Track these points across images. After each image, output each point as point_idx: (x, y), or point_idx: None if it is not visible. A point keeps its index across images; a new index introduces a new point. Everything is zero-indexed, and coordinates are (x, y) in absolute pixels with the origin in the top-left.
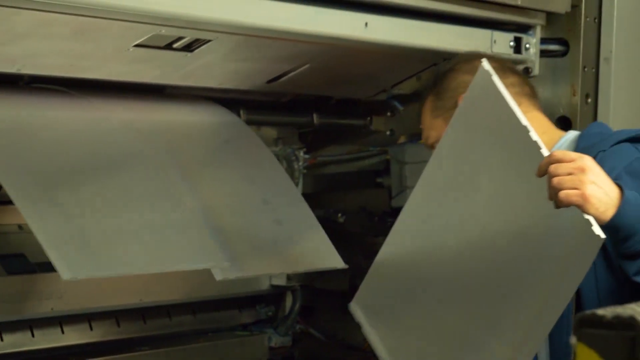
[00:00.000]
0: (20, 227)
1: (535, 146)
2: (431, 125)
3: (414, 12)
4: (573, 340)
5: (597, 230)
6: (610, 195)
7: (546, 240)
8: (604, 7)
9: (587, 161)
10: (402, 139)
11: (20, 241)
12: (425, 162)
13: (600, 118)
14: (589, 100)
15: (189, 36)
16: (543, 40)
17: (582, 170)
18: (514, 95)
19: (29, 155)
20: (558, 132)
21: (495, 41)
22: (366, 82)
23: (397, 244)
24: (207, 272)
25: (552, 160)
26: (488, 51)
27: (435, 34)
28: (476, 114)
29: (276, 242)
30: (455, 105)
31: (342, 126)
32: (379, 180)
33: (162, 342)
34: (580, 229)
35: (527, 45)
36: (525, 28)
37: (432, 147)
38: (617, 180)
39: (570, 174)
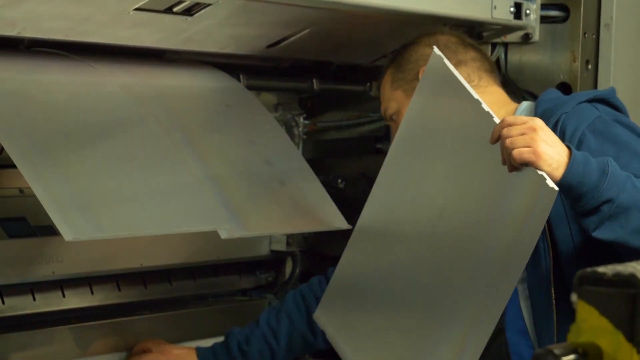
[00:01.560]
0: (21, 190)
1: (488, 116)
2: (390, 96)
3: None
4: (574, 297)
5: (551, 183)
6: (561, 154)
7: (503, 206)
8: None
9: (538, 122)
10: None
11: (21, 205)
12: None
13: (600, 84)
14: (589, 66)
15: (188, 0)
16: (543, 6)
17: (533, 129)
18: (475, 69)
19: (31, 118)
20: (515, 104)
21: (495, 7)
22: (366, 47)
23: (357, 248)
24: (208, 237)
25: (504, 124)
26: (488, 17)
27: None
28: (433, 96)
29: (280, 203)
30: (416, 78)
31: (342, 92)
32: (379, 146)
33: (162, 307)
34: (535, 185)
35: (528, 11)
36: None
37: (390, 119)
38: (582, 138)
39: (522, 134)
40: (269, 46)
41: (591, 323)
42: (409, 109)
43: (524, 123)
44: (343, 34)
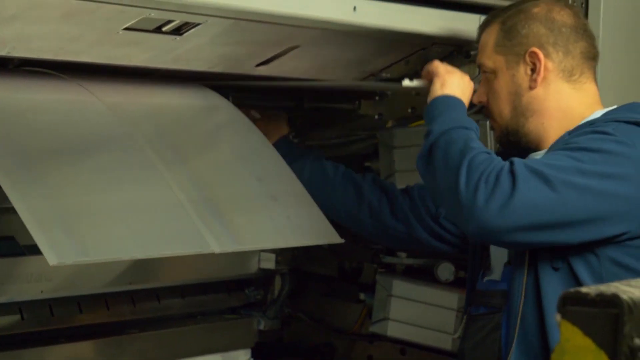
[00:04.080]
0: (9, 209)
1: None
2: (490, 55)
3: None
4: (558, 317)
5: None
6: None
7: None
8: None
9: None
10: (390, 123)
11: (10, 223)
12: (414, 145)
13: None
14: None
15: (178, 19)
16: None
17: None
18: (580, 63)
19: (18, 138)
20: (598, 106)
21: None
22: (354, 66)
23: None
24: (196, 255)
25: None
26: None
27: (423, 18)
28: None
29: (273, 218)
30: (522, 56)
31: (330, 110)
32: (367, 164)
33: (151, 325)
34: None
35: None
36: None
37: (486, 77)
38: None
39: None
40: (259, 65)
41: (575, 343)
42: None
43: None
44: (331, 53)
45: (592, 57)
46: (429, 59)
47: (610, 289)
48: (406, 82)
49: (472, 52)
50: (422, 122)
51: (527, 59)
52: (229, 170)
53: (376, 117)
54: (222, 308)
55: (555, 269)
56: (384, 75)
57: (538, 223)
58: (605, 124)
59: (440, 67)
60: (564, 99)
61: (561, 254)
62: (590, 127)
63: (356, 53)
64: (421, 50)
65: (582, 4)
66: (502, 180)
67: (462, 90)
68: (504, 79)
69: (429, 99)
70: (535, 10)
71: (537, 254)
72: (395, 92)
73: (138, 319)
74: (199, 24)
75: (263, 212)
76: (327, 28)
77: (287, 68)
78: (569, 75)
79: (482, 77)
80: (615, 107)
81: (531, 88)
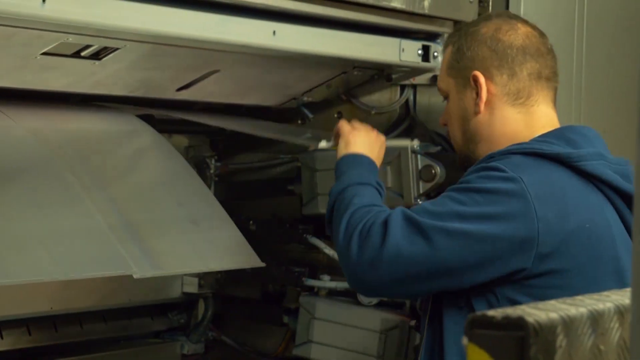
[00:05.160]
0: None
1: None
2: (443, 77)
3: (322, 21)
4: (465, 340)
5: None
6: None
7: None
8: None
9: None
10: (312, 147)
11: None
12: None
13: None
14: None
15: (96, 44)
16: None
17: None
18: (527, 84)
19: None
20: (546, 129)
21: (403, 49)
22: (276, 90)
23: None
24: (119, 279)
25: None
26: (397, 60)
27: (343, 42)
28: None
29: (193, 242)
30: (467, 80)
31: (253, 134)
32: (290, 187)
33: (73, 351)
34: None
35: (435, 54)
36: (433, 36)
37: (444, 97)
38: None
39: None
40: (179, 89)
41: None
42: None
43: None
44: (252, 77)
45: (544, 77)
46: (350, 83)
47: (516, 312)
48: (322, 144)
49: (394, 76)
50: None
51: (472, 82)
52: (150, 194)
53: None
54: (145, 332)
55: (459, 307)
56: (305, 99)
57: (412, 274)
58: (501, 157)
59: (344, 127)
60: (510, 124)
61: (463, 292)
62: (485, 162)
63: (277, 77)
64: (342, 74)
65: None
66: (372, 232)
67: (368, 146)
68: (454, 103)
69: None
70: (483, 30)
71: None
72: (318, 115)
73: (60, 343)
74: (117, 49)
75: (183, 237)
76: (247, 52)
77: (208, 92)
78: (514, 98)
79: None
80: (548, 131)
81: (476, 113)
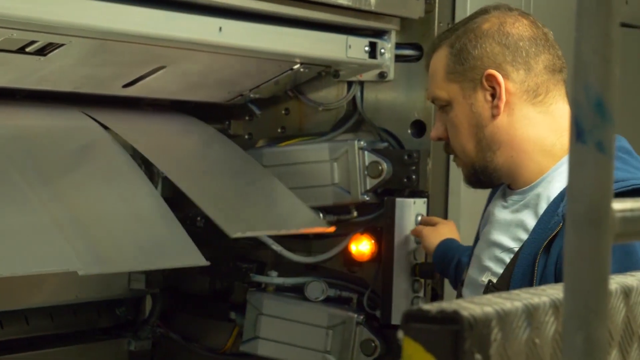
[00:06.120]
0: None
1: None
2: (443, 86)
3: (268, 17)
4: (400, 334)
5: None
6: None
7: None
8: (457, 13)
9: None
10: (260, 143)
11: None
12: (283, 165)
13: None
14: None
15: (41, 40)
16: (398, 45)
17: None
18: (544, 79)
19: None
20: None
21: (350, 46)
22: (223, 86)
23: None
24: (65, 276)
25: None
26: (343, 57)
27: (290, 38)
28: None
29: (137, 240)
30: (478, 79)
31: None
32: None
33: (20, 347)
34: None
35: (382, 50)
36: (380, 33)
37: (441, 109)
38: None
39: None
40: (125, 86)
41: (416, 359)
42: None
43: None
44: (199, 73)
45: (558, 69)
46: (298, 79)
47: (451, 306)
48: None
49: (341, 72)
50: (290, 141)
51: (485, 83)
52: (95, 191)
53: (246, 136)
54: (92, 329)
55: None
56: (252, 95)
57: None
58: None
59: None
60: (533, 126)
61: None
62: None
63: (224, 73)
64: (290, 71)
65: (448, 24)
66: None
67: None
68: (462, 110)
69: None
70: (486, 26)
71: None
72: (265, 111)
73: (6, 340)
74: (63, 45)
75: (128, 234)
76: (193, 49)
77: (154, 89)
78: (533, 96)
79: (437, 110)
80: None
81: (494, 116)
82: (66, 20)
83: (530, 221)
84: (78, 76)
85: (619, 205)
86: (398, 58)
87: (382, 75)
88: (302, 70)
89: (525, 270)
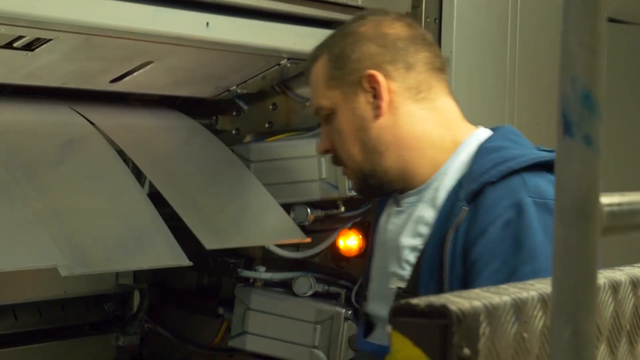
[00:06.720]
0: None
1: None
2: (325, 94)
3: (255, 12)
4: (388, 329)
5: None
6: None
7: None
8: (444, 8)
9: None
10: (247, 138)
11: None
12: (270, 160)
13: None
14: None
15: (29, 35)
16: None
17: None
18: (426, 75)
19: None
20: (465, 129)
21: None
22: (210, 81)
23: None
24: (53, 272)
25: None
26: None
27: (277, 33)
28: None
29: (121, 239)
30: (359, 82)
31: None
32: None
33: (8, 343)
34: None
35: None
36: None
37: (323, 119)
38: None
39: None
40: (113, 81)
41: (405, 353)
42: None
43: None
44: (186, 69)
45: (439, 67)
46: (285, 74)
47: (439, 300)
48: None
49: None
50: (278, 137)
51: (365, 85)
52: (80, 188)
53: (234, 132)
54: (80, 324)
55: None
56: (239, 90)
57: None
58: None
59: None
60: (418, 123)
61: None
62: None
63: (211, 68)
64: (277, 66)
65: (435, 19)
66: None
67: None
68: (345, 115)
69: None
70: (363, 29)
71: None
72: (253, 106)
73: None
74: (50, 40)
75: (112, 232)
76: (180, 44)
77: (141, 84)
78: (416, 93)
79: (321, 122)
80: (486, 134)
81: (377, 117)
82: (54, 15)
83: (429, 214)
84: (66, 71)
85: (607, 199)
86: None
87: None
88: (289, 65)
89: (433, 263)
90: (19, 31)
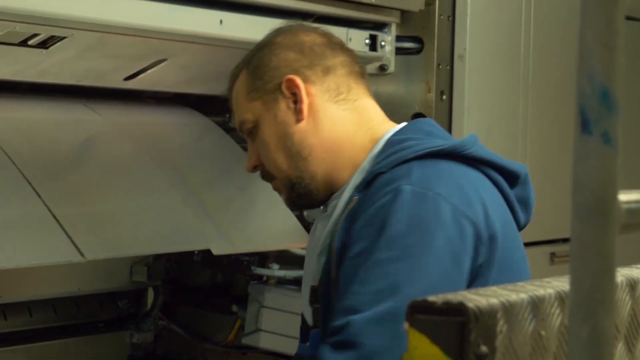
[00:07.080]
0: None
1: None
2: (246, 108)
3: (269, 10)
4: (405, 325)
5: None
6: None
7: None
8: (458, 6)
9: None
10: None
11: None
12: None
13: (455, 114)
14: (444, 97)
15: (43, 33)
16: (398, 38)
17: None
18: (344, 78)
19: None
20: (385, 126)
21: (350, 39)
22: (223, 79)
23: None
24: (68, 268)
25: None
26: None
27: None
28: None
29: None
30: (278, 88)
31: None
32: None
33: (23, 339)
34: None
35: (383, 43)
36: (380, 26)
37: (246, 134)
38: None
39: None
40: (126, 78)
41: (422, 350)
42: None
43: None
44: (200, 66)
45: (358, 72)
46: None
47: (457, 298)
48: None
49: None
50: None
51: (285, 90)
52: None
53: None
54: (95, 321)
55: None
56: None
57: None
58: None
59: None
60: (339, 124)
61: None
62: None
63: (224, 66)
64: None
65: (448, 17)
66: None
67: None
68: (268, 125)
69: None
70: (279, 39)
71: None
72: None
73: (9, 332)
74: (64, 38)
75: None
76: (194, 41)
77: (155, 81)
78: (335, 94)
79: (247, 139)
80: (398, 127)
81: (299, 121)
82: (68, 13)
83: (339, 211)
84: (80, 69)
85: (625, 196)
86: (398, 51)
87: (382, 68)
88: None
89: (330, 256)
90: (33, 29)
